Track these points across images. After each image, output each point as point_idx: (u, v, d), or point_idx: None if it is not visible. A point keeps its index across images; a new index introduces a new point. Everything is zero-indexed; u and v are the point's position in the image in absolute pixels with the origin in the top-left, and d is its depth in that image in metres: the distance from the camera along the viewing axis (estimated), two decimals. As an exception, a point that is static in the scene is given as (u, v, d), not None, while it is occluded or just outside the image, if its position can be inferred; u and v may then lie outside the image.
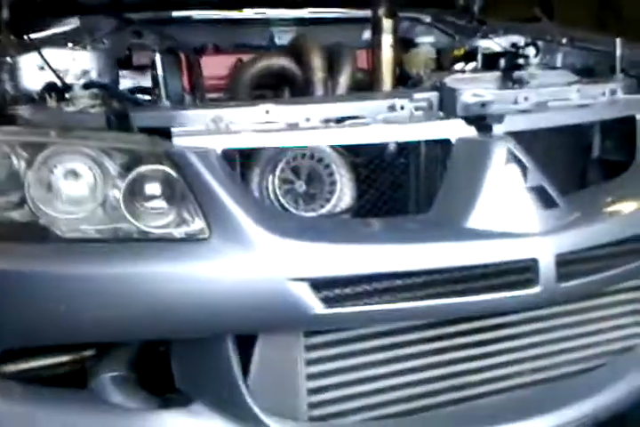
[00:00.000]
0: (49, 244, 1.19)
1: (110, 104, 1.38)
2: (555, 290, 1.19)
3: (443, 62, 2.31)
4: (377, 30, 1.74)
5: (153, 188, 1.21)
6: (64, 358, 1.34)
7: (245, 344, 1.19)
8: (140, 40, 2.21)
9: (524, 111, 1.42)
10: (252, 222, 1.15)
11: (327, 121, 1.33)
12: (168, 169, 1.20)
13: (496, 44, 2.32)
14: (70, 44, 1.91)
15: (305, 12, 2.36)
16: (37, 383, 1.29)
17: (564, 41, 2.22)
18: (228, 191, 1.18)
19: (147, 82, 2.13)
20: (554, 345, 1.36)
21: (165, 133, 1.25)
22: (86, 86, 1.51)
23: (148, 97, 1.96)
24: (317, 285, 1.13)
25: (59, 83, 1.58)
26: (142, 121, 1.30)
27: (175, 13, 2.21)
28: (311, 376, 1.22)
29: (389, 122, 1.33)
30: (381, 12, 1.77)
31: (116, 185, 1.22)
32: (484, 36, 2.37)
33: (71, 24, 2.15)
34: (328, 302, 1.13)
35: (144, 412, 1.20)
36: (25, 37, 1.94)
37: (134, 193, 1.21)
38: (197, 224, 1.18)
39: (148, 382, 1.28)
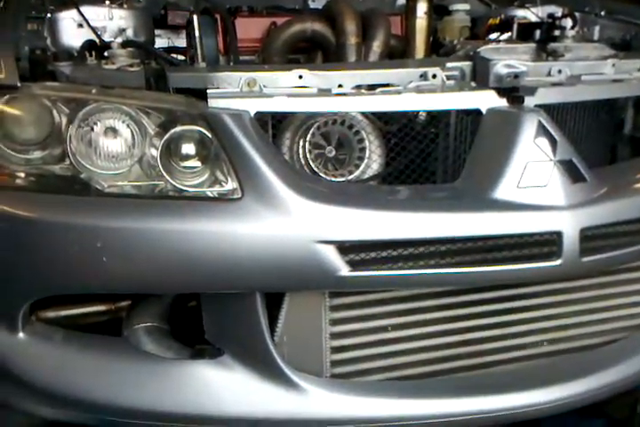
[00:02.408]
0: (89, 197, 1.24)
1: (148, 64, 1.40)
2: (576, 264, 1.21)
3: (477, 31, 2.29)
4: (412, -4, 1.73)
5: (188, 147, 1.25)
6: (100, 308, 1.42)
7: (273, 302, 1.24)
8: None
9: (556, 84, 1.41)
10: (284, 185, 1.18)
11: (359, 88, 1.35)
12: (203, 130, 1.23)
13: (533, 13, 2.29)
14: (108, 2, 1.92)
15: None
16: (76, 330, 1.36)
17: (603, 13, 2.18)
18: (260, 153, 1.21)
19: (180, 42, 2.16)
20: (572, 318, 1.39)
21: (201, 94, 1.28)
22: (124, 45, 1.53)
23: (182, 57, 1.99)
24: (344, 248, 1.17)
25: (97, 40, 1.61)
26: (179, 82, 1.33)
27: None
28: (334, 335, 1.27)
29: (421, 90, 1.34)
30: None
31: (153, 143, 1.26)
32: (521, 6, 2.33)
33: (107, -18, 2.15)
34: (353, 265, 1.17)
35: (175, 361, 1.26)
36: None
37: (170, 152, 1.25)
38: (230, 184, 1.22)
39: (180, 333, 1.35)
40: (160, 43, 2.13)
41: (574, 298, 1.39)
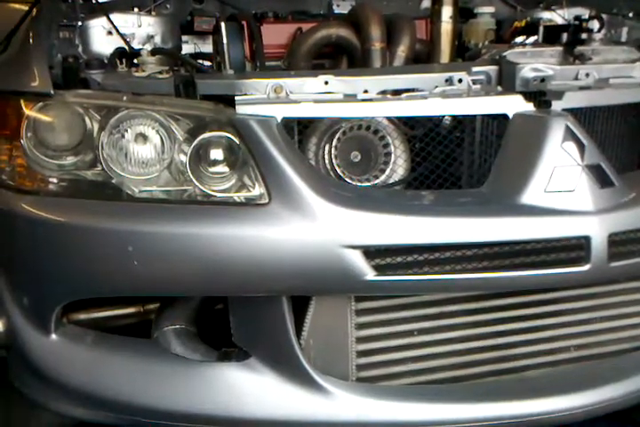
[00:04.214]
0: (120, 202, 1.27)
1: (177, 71, 1.43)
2: (605, 269, 1.20)
3: (503, 34, 2.28)
4: (437, 1, 1.73)
5: (217, 153, 1.27)
6: (130, 310, 1.45)
7: (300, 305, 1.25)
8: (201, 6, 2.25)
9: (583, 88, 1.41)
10: (310, 190, 1.20)
11: (384, 93, 1.36)
12: (231, 136, 1.25)
13: (559, 15, 2.27)
14: (136, 9, 1.96)
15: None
16: (106, 331, 1.39)
17: (631, 15, 2.16)
18: (287, 159, 1.22)
19: (207, 47, 2.19)
20: (600, 323, 1.38)
21: (229, 101, 1.30)
22: (153, 53, 1.56)
23: (208, 63, 2.02)
24: (370, 253, 1.17)
25: (127, 48, 1.64)
26: (207, 88, 1.35)
27: None
28: (360, 339, 1.28)
29: (446, 95, 1.35)
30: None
31: (182, 149, 1.29)
32: (547, 8, 2.32)
33: (135, -11, 2.19)
34: (379, 269, 1.18)
35: (203, 364, 1.28)
36: (92, 0, 2.01)
37: (199, 158, 1.27)
38: (257, 190, 1.24)
39: (207, 336, 1.37)
40: (186, 48, 2.16)
41: (602, 303, 1.38)
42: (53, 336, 1.34)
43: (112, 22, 1.80)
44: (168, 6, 2.21)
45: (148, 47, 1.90)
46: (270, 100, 1.30)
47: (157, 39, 1.93)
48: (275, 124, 1.25)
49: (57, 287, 1.31)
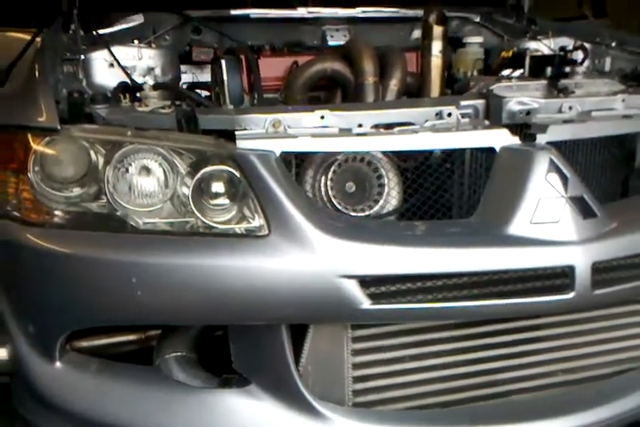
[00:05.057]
0: (124, 234, 1.32)
1: (179, 106, 1.49)
2: (589, 296, 1.26)
3: (491, 63, 2.36)
4: (427, 36, 1.81)
5: (218, 186, 1.32)
6: (131, 337, 1.49)
7: (298, 333, 1.30)
8: (199, 37, 2.32)
9: (567, 121, 1.47)
10: (308, 222, 1.25)
11: (378, 127, 1.42)
12: (232, 170, 1.31)
13: (545, 45, 2.36)
14: (136, 42, 2.03)
15: (357, 11, 2.43)
16: (108, 358, 1.43)
17: (614, 44, 2.24)
18: (286, 192, 1.28)
19: (204, 77, 2.26)
20: (585, 348, 1.43)
21: (229, 134, 1.36)
22: (155, 87, 1.62)
23: (206, 92, 2.08)
24: (365, 282, 1.23)
25: (130, 82, 1.70)
26: (208, 123, 1.41)
27: (234, 11, 2.31)
28: (356, 366, 1.32)
29: (437, 129, 1.41)
30: (432, 18, 1.84)
31: (184, 182, 1.34)
32: (533, 38, 2.40)
33: (136, 20, 2.27)
34: (374, 298, 1.23)
35: (205, 390, 1.32)
36: (93, 32, 2.08)
37: (201, 190, 1.32)
38: (257, 221, 1.29)
39: (208, 362, 1.41)
40: (185, 78, 2.23)
41: (587, 328, 1.43)
42: (58, 364, 1.38)
43: (114, 55, 1.86)
44: (167, 37, 2.28)
45: (149, 79, 1.98)
46: (269, 134, 1.36)
47: (158, 71, 2.00)
48: (274, 159, 1.31)
49: (62, 317, 1.36)
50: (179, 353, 1.39)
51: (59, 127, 1.39)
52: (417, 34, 2.50)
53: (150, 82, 1.96)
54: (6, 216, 1.45)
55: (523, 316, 1.35)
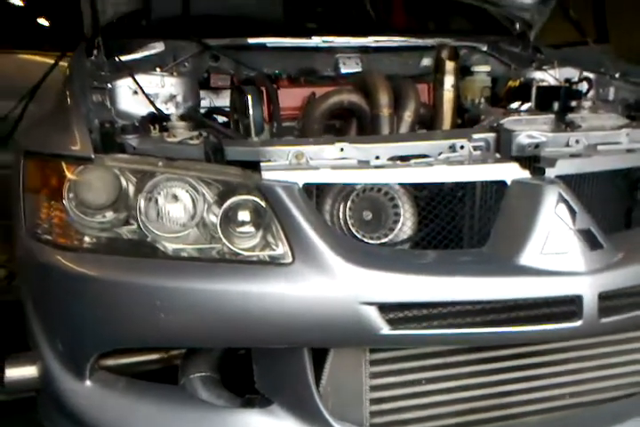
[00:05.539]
0: (154, 259, 1.39)
1: (207, 137, 1.56)
2: (595, 324, 1.32)
3: (498, 91, 2.45)
4: (440, 70, 1.89)
5: (244, 215, 1.40)
6: (155, 356, 1.55)
7: (319, 355, 1.37)
8: (217, 63, 2.41)
9: (574, 155, 1.55)
10: (331, 251, 1.32)
11: (394, 159, 1.50)
12: (258, 200, 1.38)
13: (551, 75, 2.44)
14: (158, 69, 2.11)
15: (369, 41, 2.52)
16: (132, 375, 1.49)
17: (617, 75, 2.32)
18: (309, 222, 1.35)
19: (220, 101, 2.34)
20: (592, 372, 1.50)
21: (254, 165, 1.43)
22: (182, 118, 1.70)
23: (224, 118, 2.17)
24: (385, 309, 1.29)
25: (157, 112, 1.78)
26: (234, 155, 1.49)
27: (251, 40, 2.40)
28: (374, 388, 1.39)
29: (451, 162, 1.49)
30: (444, 54, 1.93)
31: (212, 210, 1.41)
32: (539, 68, 2.49)
33: (157, 48, 2.36)
34: (393, 324, 1.29)
35: (229, 410, 1.39)
36: (115, 58, 2.16)
37: (228, 219, 1.40)
38: (281, 249, 1.36)
39: (230, 381, 1.47)
40: (202, 103, 2.32)
41: (594, 353, 1.49)
42: (88, 382, 1.44)
43: (139, 84, 1.94)
44: (186, 64, 2.37)
45: (171, 106, 2.07)
46: (292, 166, 1.43)
47: (179, 98, 2.08)
48: (297, 189, 1.39)
49: (93, 338, 1.42)
50: (203, 373, 1.45)
51: (93, 157, 1.47)
52: (426, 62, 2.59)
53: (172, 108, 2.05)
54: (38, 240, 1.53)
55: (532, 342, 1.41)
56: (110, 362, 1.52)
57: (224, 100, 2.32)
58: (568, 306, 1.32)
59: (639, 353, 1.54)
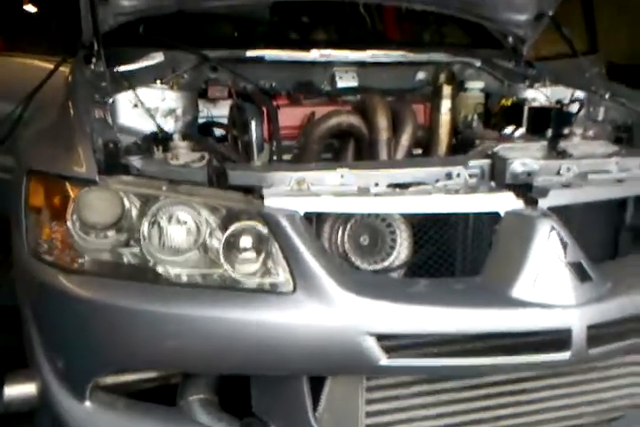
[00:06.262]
0: (155, 285, 1.42)
1: (210, 160, 1.58)
2: (584, 355, 1.37)
3: (490, 106, 2.49)
4: (437, 95, 1.93)
5: (246, 241, 1.43)
6: (153, 375, 1.57)
7: (316, 381, 1.41)
8: (215, 74, 2.42)
9: (565, 185, 1.59)
10: (332, 280, 1.36)
11: (393, 186, 1.54)
12: (260, 226, 1.41)
13: (542, 94, 2.49)
14: (158, 82, 2.13)
15: (367, 56, 2.54)
16: (131, 397, 1.52)
17: (607, 96, 2.38)
18: (310, 250, 1.39)
19: (217, 111, 2.35)
20: (578, 397, 1.55)
21: (256, 191, 1.46)
22: (184, 137, 1.72)
23: (222, 131, 2.19)
24: (383, 339, 1.34)
25: (159, 131, 1.80)
26: (237, 179, 1.52)
27: (250, 53, 2.42)
28: (370, 414, 1.43)
29: (448, 190, 1.53)
30: (442, 79, 1.96)
31: (215, 235, 1.44)
32: (531, 86, 2.53)
33: (156, 58, 2.36)
34: (391, 354, 1.34)
35: (227, 433, 1.42)
36: (115, 69, 2.17)
37: (230, 244, 1.42)
38: (282, 276, 1.40)
39: (226, 403, 1.51)
40: (201, 113, 2.33)
41: (583, 379, 1.54)
42: (87, 403, 1.46)
43: (140, 99, 1.96)
44: (185, 76, 2.37)
45: (171, 119, 2.08)
46: (294, 192, 1.47)
47: (179, 111, 2.10)
48: (298, 217, 1.42)
49: (94, 360, 1.45)
50: (201, 396, 1.49)
51: (97, 179, 1.48)
52: (420, 75, 2.62)
53: (172, 122, 2.07)
54: (40, 259, 1.55)
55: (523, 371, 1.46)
56: (108, 380, 1.54)
57: (220, 110, 2.34)
58: (558, 338, 1.37)
59: (621, 379, 1.60)
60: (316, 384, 1.41)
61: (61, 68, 2.46)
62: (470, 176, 1.61)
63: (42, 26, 3.27)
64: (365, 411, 1.42)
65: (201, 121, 2.25)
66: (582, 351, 1.37)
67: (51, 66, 2.55)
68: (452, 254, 1.57)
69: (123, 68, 2.21)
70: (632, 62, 5.51)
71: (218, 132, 2.25)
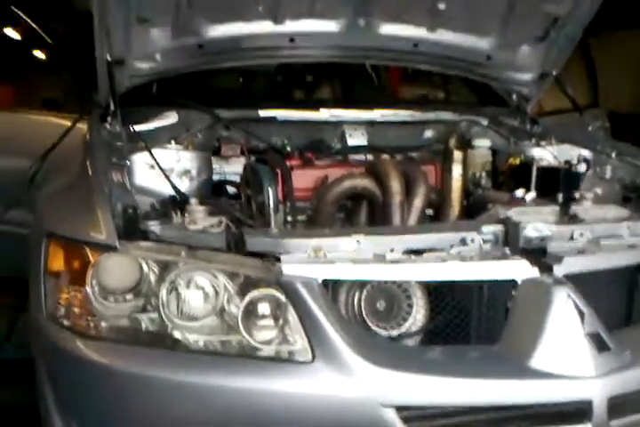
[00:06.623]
0: (174, 352, 1.42)
1: (228, 226, 1.61)
2: (605, 426, 1.37)
3: (498, 163, 2.54)
4: (448, 159, 1.97)
5: (264, 308, 1.44)
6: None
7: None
8: (228, 133, 2.48)
9: (580, 252, 1.61)
10: (350, 350, 1.36)
11: (409, 252, 1.56)
12: (278, 294, 1.43)
13: (549, 152, 2.53)
14: (173, 142, 2.18)
15: (376, 115, 2.61)
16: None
17: (614, 155, 2.42)
18: (328, 318, 1.40)
19: (230, 167, 2.39)
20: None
21: (274, 258, 1.48)
22: (201, 202, 1.75)
23: (234, 189, 2.22)
24: (402, 410, 1.33)
25: (177, 195, 1.83)
26: (255, 245, 1.54)
27: (262, 114, 2.48)
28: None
29: (463, 257, 1.54)
30: (452, 144, 2.01)
31: (233, 301, 1.45)
32: (537, 144, 2.58)
33: (170, 117, 2.42)
34: (409, 424, 1.33)
35: None
36: (131, 128, 2.22)
37: (249, 311, 1.43)
38: (300, 344, 1.40)
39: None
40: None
41: None
42: None
43: (157, 161, 2.00)
44: (199, 135, 2.43)
45: (186, 180, 2.12)
46: (311, 259, 1.48)
47: (194, 172, 2.15)
48: (316, 285, 1.43)
49: (109, 425, 1.44)
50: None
51: (117, 245, 1.51)
52: (428, 133, 2.68)
53: (187, 182, 2.11)
54: (57, 324, 1.55)
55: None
56: None
57: (233, 167, 2.39)
58: (579, 410, 1.36)
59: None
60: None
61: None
62: (484, 242, 1.63)
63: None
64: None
65: (214, 178, 2.29)
66: (603, 422, 1.36)
67: (65, 122, 2.62)
68: (468, 322, 1.57)
69: (138, 128, 2.26)
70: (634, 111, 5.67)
71: (230, 189, 2.30)
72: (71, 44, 3.25)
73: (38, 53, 3.70)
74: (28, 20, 3.46)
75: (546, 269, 1.53)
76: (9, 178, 2.71)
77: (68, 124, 2.56)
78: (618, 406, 1.38)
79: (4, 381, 2.59)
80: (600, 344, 1.42)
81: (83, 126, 2.41)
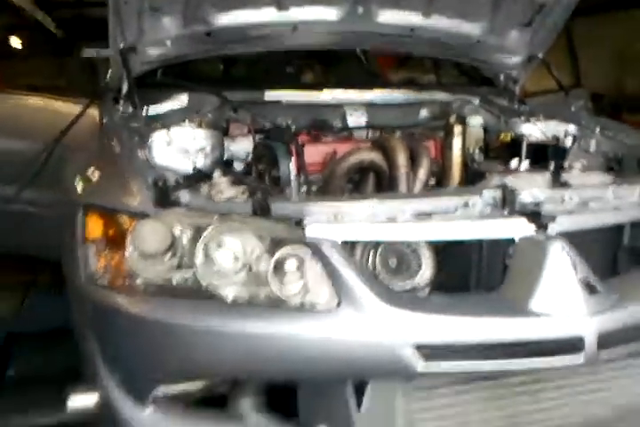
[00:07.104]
0: (210, 303, 1.57)
1: (252, 194, 1.76)
2: (596, 357, 1.55)
3: (489, 139, 2.70)
4: (449, 134, 2.13)
5: (292, 264, 1.59)
6: (203, 384, 1.68)
7: (359, 386, 1.57)
8: (236, 114, 2.61)
9: (571, 213, 1.78)
10: (373, 295, 1.53)
11: (418, 215, 1.72)
12: (304, 252, 1.58)
13: (539, 129, 2.69)
14: (187, 121, 2.30)
15: (373, 96, 2.76)
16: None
17: (597, 130, 2.59)
18: (351, 269, 1.56)
19: (235, 146, 2.52)
20: (594, 394, 1.71)
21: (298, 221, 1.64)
22: (224, 173, 1.89)
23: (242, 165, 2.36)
24: (421, 347, 1.50)
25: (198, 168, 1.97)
26: (279, 210, 1.69)
27: (268, 97, 2.62)
28: (408, 412, 1.58)
29: (467, 217, 1.71)
30: (452, 119, 2.16)
31: (263, 260, 1.61)
32: (527, 120, 2.74)
33: (182, 99, 2.55)
34: (427, 361, 1.50)
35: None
36: (144, 111, 2.35)
37: (277, 268, 1.59)
38: (327, 293, 1.56)
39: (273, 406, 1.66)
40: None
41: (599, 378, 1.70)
42: (148, 410, 1.62)
43: (175, 138, 2.13)
44: (209, 115, 2.56)
45: (200, 157, 2.25)
46: (331, 222, 1.64)
47: (208, 149, 2.28)
48: (337, 244, 1.59)
49: (155, 373, 1.60)
50: (251, 398, 1.63)
51: (152, 212, 1.65)
52: (424, 113, 2.84)
53: (201, 159, 2.24)
54: (97, 284, 1.70)
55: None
56: (166, 390, 1.66)
57: (240, 146, 2.51)
58: (573, 343, 1.54)
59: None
60: (359, 389, 1.56)
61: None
62: (485, 205, 1.79)
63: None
64: (402, 410, 1.57)
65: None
66: (594, 354, 1.54)
67: (75, 107, 2.73)
68: (469, 275, 1.74)
69: (152, 110, 2.39)
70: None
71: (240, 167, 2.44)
72: (76, 31, 3.37)
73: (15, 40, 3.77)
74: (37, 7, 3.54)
75: (541, 227, 1.70)
76: (20, 159, 2.83)
77: (74, 106, 2.69)
78: (606, 340, 1.55)
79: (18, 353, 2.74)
80: (591, 288, 1.59)
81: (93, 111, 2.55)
